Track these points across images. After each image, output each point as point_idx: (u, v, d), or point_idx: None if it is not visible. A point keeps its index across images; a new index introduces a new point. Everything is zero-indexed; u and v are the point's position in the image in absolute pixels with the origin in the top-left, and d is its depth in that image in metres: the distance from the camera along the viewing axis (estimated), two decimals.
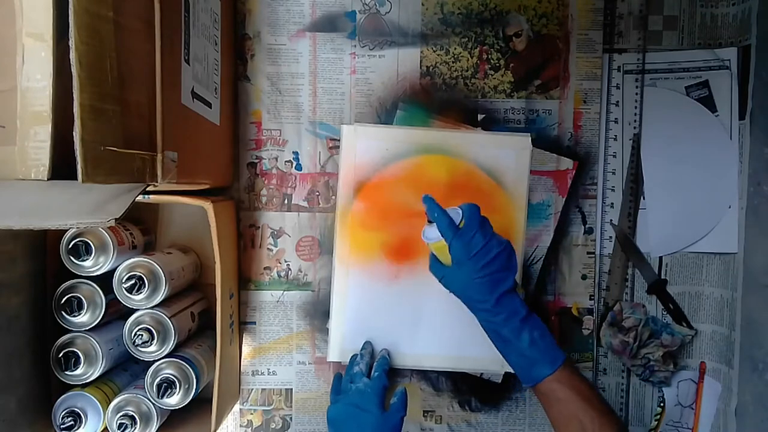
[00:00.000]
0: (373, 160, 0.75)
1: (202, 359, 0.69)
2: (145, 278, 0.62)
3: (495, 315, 0.60)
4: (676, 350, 0.78)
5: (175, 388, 0.64)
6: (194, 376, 0.65)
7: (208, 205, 0.65)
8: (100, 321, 0.64)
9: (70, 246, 0.62)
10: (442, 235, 0.61)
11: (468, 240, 0.60)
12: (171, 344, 0.64)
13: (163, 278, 0.63)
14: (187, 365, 0.65)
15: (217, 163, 0.71)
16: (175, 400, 0.65)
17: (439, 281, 0.64)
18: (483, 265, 0.59)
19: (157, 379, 0.64)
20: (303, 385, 0.79)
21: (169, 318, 0.65)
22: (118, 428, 0.63)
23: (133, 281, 0.61)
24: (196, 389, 0.65)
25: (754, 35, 0.74)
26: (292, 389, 0.79)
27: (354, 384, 0.67)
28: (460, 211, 0.62)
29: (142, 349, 0.64)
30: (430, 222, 0.63)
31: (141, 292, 0.62)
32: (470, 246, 0.60)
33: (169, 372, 0.64)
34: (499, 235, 0.63)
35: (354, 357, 0.73)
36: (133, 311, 0.64)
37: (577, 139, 0.78)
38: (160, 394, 0.64)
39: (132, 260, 0.63)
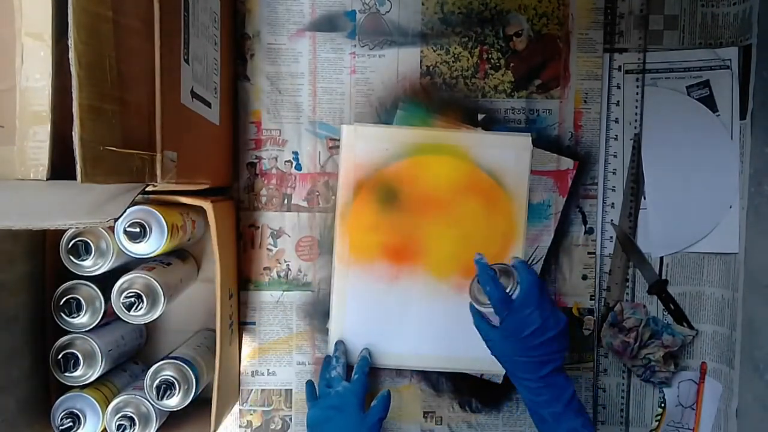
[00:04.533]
0: (373, 160, 0.75)
1: (201, 360, 0.68)
2: (143, 295, 0.60)
3: (537, 395, 0.56)
4: (676, 351, 0.77)
5: (175, 389, 0.64)
6: (194, 377, 0.65)
7: (207, 205, 0.65)
8: (99, 322, 0.64)
9: (70, 246, 0.61)
10: (495, 311, 0.57)
11: (523, 318, 0.55)
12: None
13: (162, 295, 0.62)
14: (186, 366, 0.65)
15: (216, 163, 0.71)
16: (174, 401, 0.64)
17: (485, 342, 0.61)
18: (534, 346, 0.55)
19: (156, 381, 0.64)
20: (303, 385, 0.79)
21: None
22: (117, 429, 0.63)
23: (131, 299, 0.60)
24: (195, 390, 0.65)
25: (755, 34, 0.74)
26: (291, 390, 0.79)
27: (333, 388, 0.67)
28: (515, 272, 0.57)
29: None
30: (479, 282, 0.58)
31: (139, 310, 0.61)
32: (524, 325, 0.55)
33: (168, 373, 0.64)
34: (558, 310, 0.58)
35: (328, 359, 0.72)
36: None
37: (577, 139, 0.78)
38: (160, 395, 0.63)
39: (130, 276, 0.62)
